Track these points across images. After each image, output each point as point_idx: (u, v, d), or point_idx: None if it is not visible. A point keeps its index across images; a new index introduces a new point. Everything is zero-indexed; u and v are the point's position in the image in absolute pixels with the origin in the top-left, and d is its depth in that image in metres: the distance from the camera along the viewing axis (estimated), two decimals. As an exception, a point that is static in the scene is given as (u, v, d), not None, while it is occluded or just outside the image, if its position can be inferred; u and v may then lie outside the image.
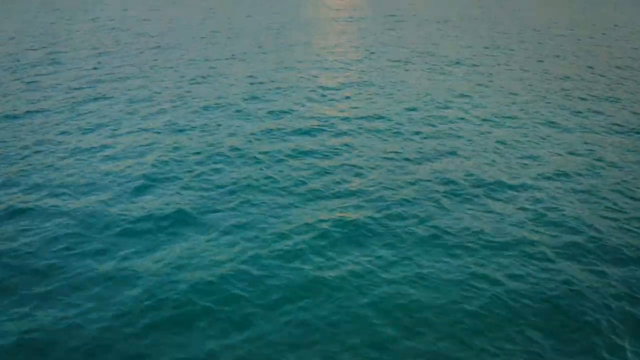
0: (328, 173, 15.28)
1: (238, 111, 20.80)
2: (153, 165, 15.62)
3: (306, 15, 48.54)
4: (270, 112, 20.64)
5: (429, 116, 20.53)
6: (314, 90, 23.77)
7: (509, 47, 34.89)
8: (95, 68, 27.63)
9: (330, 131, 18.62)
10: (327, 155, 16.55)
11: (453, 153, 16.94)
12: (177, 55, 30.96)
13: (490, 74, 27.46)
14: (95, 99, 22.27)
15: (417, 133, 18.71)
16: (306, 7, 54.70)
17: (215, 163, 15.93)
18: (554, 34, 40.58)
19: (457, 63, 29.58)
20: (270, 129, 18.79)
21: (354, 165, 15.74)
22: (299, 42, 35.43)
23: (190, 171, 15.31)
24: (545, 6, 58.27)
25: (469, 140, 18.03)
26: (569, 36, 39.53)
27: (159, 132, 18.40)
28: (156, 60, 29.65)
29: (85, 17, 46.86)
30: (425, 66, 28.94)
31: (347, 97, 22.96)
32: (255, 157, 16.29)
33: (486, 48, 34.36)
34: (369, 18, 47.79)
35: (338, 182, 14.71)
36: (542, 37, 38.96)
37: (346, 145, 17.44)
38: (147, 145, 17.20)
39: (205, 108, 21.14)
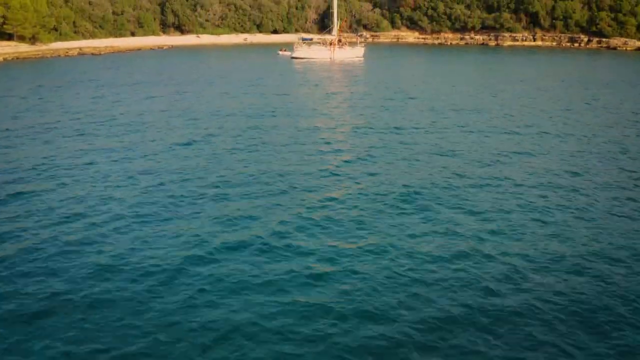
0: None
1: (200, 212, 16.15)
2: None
3: (297, 99, 44.74)
4: (243, 224, 16.14)
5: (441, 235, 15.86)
6: (301, 204, 19.14)
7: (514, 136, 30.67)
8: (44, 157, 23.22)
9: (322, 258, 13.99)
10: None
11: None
12: (139, 139, 26.62)
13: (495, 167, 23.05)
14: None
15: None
16: (297, 89, 50.96)
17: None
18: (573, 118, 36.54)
19: (464, 154, 25.24)
20: (239, 242, 14.65)
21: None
22: (288, 129, 31.27)
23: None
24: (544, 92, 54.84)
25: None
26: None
27: (98, 266, 13.67)
28: (116, 151, 25.25)
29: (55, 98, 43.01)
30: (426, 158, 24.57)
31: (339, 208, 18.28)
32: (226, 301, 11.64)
33: (495, 135, 30.13)
34: (365, 98, 44.01)
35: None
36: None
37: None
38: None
39: (167, 219, 16.51)
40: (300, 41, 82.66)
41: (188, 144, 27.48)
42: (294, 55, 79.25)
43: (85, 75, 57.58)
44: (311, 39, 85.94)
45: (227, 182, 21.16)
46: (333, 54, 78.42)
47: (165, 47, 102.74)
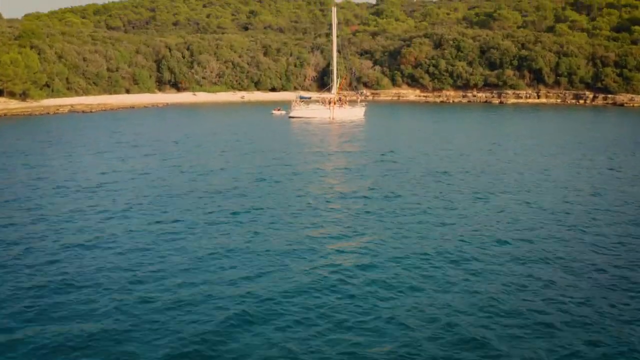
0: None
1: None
2: None
3: (291, 164, 41.01)
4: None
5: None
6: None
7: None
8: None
9: None
10: None
11: None
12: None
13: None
14: None
15: None
16: (292, 154, 47.20)
17: None
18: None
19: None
20: None
21: None
22: (277, 198, 27.25)
23: None
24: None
25: None
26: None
27: None
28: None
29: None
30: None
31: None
32: None
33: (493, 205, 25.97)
34: (366, 163, 40.27)
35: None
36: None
37: None
38: None
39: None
40: (298, 100, 79.33)
41: (152, 217, 23.68)
42: (291, 114, 75.83)
43: (66, 135, 54.00)
44: (309, 98, 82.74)
45: (196, 265, 18.10)
46: (333, 113, 75.12)
47: (160, 105, 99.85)
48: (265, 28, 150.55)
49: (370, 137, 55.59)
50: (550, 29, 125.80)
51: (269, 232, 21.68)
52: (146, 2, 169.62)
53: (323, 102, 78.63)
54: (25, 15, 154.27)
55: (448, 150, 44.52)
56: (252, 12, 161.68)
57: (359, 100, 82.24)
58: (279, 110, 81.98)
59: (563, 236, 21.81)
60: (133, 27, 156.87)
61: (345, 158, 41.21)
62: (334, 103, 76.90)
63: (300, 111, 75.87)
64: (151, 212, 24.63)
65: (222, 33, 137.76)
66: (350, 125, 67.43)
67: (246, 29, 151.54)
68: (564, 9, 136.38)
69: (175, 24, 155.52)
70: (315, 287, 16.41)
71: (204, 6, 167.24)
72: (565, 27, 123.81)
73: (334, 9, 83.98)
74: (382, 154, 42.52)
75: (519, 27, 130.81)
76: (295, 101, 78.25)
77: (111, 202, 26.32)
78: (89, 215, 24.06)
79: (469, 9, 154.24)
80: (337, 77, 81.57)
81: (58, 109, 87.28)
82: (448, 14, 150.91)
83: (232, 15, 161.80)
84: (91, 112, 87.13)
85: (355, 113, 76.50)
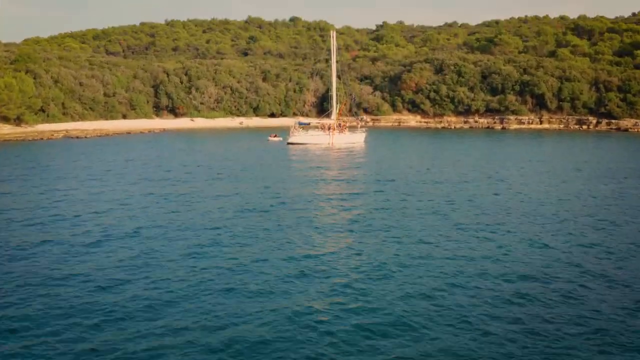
0: None
1: None
2: None
3: (287, 196, 38.97)
4: None
5: None
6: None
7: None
8: None
9: None
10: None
11: None
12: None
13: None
14: None
15: None
16: (289, 184, 45.18)
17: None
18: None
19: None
20: None
21: None
22: (267, 237, 25.11)
23: None
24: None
25: None
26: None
27: None
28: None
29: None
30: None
31: None
32: None
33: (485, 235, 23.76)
34: (366, 193, 38.12)
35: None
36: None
37: None
38: None
39: None
40: (297, 125, 77.47)
41: (126, 252, 21.44)
42: (290, 140, 73.90)
43: (54, 161, 52.03)
44: (309, 124, 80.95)
45: (165, 309, 15.52)
46: (332, 139, 73.29)
47: (156, 131, 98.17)
48: (264, 53, 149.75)
49: (370, 164, 53.57)
50: (552, 54, 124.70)
51: (252, 269, 19.60)
52: (146, 27, 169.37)
53: (322, 127, 76.89)
54: (24, 40, 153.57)
55: (448, 180, 42.45)
56: (251, 37, 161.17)
57: (359, 126, 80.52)
58: (275, 136, 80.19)
59: (574, 277, 19.66)
60: (132, 53, 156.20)
61: (341, 187, 39.14)
62: (334, 129, 75.17)
63: (299, 137, 74.04)
64: (126, 245, 22.55)
65: (222, 58, 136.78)
66: (349, 151, 65.50)
67: (246, 54, 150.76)
68: (564, 33, 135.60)
69: (174, 49, 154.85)
70: (300, 337, 14.29)
71: (204, 32, 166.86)
72: (567, 51, 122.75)
73: (333, 34, 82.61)
74: (381, 182, 40.48)
75: (520, 52, 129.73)
76: (294, 127, 76.43)
77: (84, 235, 24.24)
78: (57, 249, 21.98)
79: (469, 35, 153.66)
80: (337, 103, 79.90)
81: (52, 135, 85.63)
82: (448, 39, 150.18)
83: (232, 40, 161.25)
84: (86, 137, 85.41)
85: (355, 139, 74.75)
